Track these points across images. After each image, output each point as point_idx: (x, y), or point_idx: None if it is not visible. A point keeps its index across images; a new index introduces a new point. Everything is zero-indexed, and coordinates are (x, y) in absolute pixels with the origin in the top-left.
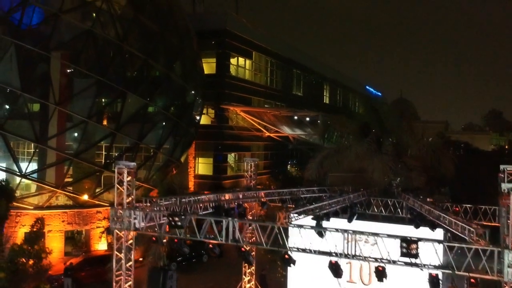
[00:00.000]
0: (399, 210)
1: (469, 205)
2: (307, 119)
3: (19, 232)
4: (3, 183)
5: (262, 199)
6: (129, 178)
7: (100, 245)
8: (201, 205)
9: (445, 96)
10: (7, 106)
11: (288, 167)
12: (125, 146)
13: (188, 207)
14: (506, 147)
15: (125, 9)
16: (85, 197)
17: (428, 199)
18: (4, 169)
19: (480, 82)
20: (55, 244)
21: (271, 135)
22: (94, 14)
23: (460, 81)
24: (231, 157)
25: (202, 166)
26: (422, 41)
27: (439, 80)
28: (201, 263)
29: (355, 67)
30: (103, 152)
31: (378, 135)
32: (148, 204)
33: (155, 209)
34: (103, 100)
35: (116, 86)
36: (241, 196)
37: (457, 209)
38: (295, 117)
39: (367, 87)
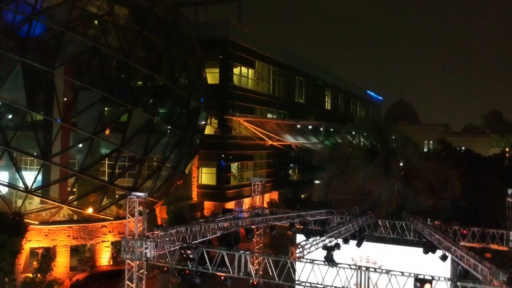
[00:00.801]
0: (406, 232)
1: (476, 229)
2: (310, 127)
3: (26, 247)
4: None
5: (271, 223)
6: (140, 208)
7: (106, 260)
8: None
9: (444, 96)
10: (13, 123)
11: (290, 171)
12: (129, 164)
13: (199, 235)
14: (507, 149)
15: (130, 23)
16: (90, 210)
17: (436, 222)
18: (11, 185)
19: (480, 82)
20: (60, 259)
21: (274, 143)
22: (98, 27)
23: (459, 81)
24: (234, 167)
25: (206, 176)
26: (421, 41)
27: (438, 80)
28: None
29: (355, 69)
30: (107, 169)
31: (385, 157)
32: (160, 233)
33: (167, 240)
34: (108, 115)
35: (121, 102)
36: (250, 221)
37: (464, 231)
38: (298, 126)
39: (368, 91)
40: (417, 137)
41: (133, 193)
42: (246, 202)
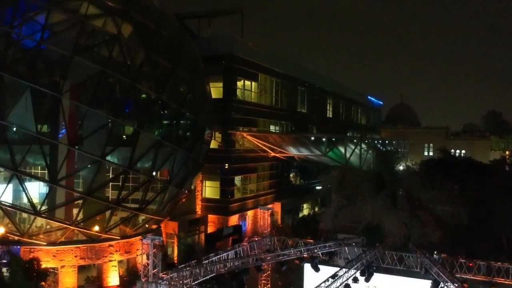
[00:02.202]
0: (413, 264)
1: (482, 262)
2: (312, 138)
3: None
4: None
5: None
6: (154, 250)
7: (113, 279)
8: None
9: (444, 96)
10: (21, 147)
11: (292, 180)
12: (136, 185)
13: (209, 269)
14: (507, 153)
15: (137, 45)
16: (96, 227)
17: (442, 255)
18: (20, 208)
19: (480, 83)
20: (68, 279)
21: (277, 155)
22: (106, 50)
23: (459, 81)
24: (237, 180)
25: (209, 190)
26: (421, 41)
27: (438, 80)
28: None
29: (355, 71)
30: (111, 189)
31: (393, 190)
32: (174, 275)
33: (180, 282)
34: (116, 138)
35: (129, 124)
36: (262, 256)
37: (471, 264)
38: (300, 138)
39: (369, 97)
40: (418, 140)
41: (148, 236)
42: (250, 214)
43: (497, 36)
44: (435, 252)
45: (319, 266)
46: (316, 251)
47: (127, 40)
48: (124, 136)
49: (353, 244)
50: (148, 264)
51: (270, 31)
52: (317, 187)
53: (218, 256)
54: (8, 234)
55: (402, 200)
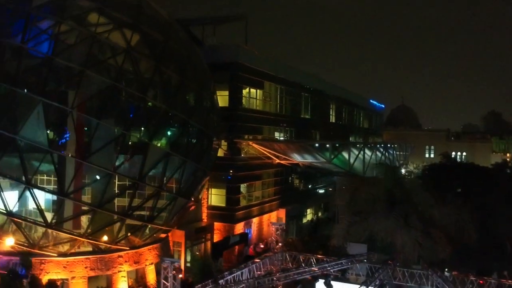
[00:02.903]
0: (424, 280)
1: (493, 280)
2: (316, 145)
3: (44, 279)
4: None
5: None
6: (174, 273)
7: None
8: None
9: (444, 97)
10: (34, 162)
11: (295, 182)
12: (146, 197)
13: None
14: (508, 155)
15: (146, 59)
16: (105, 237)
17: (453, 272)
18: (32, 220)
19: (480, 83)
20: None
21: (281, 162)
22: (116, 64)
23: (459, 82)
24: (243, 187)
25: (215, 197)
26: (420, 42)
27: (438, 81)
28: None
29: (356, 74)
30: (116, 202)
31: (405, 208)
32: None
33: None
34: (126, 151)
35: (139, 137)
36: (275, 278)
37: (481, 282)
38: (303, 145)
39: (371, 100)
40: (419, 142)
41: (167, 259)
42: (255, 221)
43: (496, 36)
44: (446, 270)
45: (331, 282)
46: (329, 268)
47: (137, 53)
48: (133, 148)
49: (365, 260)
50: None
51: (267, 32)
52: (320, 191)
53: (233, 275)
54: (19, 245)
55: (414, 218)
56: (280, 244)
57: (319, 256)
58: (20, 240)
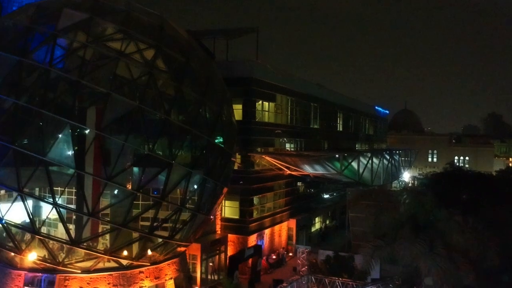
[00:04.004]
0: None
1: None
2: (328, 157)
3: None
4: None
5: None
6: None
7: None
8: None
9: (443, 98)
10: (61, 182)
11: (305, 192)
12: (167, 215)
13: None
14: (511, 159)
15: (169, 80)
16: (125, 252)
17: None
18: (58, 239)
19: (480, 85)
20: None
21: (293, 173)
22: (141, 86)
23: (459, 84)
24: (256, 199)
25: (229, 210)
26: (420, 44)
27: (438, 82)
28: None
29: (359, 78)
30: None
31: (429, 235)
32: None
33: None
34: (149, 171)
35: (162, 157)
36: None
37: None
38: (315, 157)
39: (376, 107)
40: (422, 147)
41: None
42: (267, 233)
43: (496, 39)
44: None
45: None
46: None
47: (160, 75)
48: (158, 168)
49: (390, 285)
50: None
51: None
52: (327, 199)
53: None
54: (42, 262)
55: (438, 244)
56: (305, 267)
57: (345, 279)
58: (45, 256)
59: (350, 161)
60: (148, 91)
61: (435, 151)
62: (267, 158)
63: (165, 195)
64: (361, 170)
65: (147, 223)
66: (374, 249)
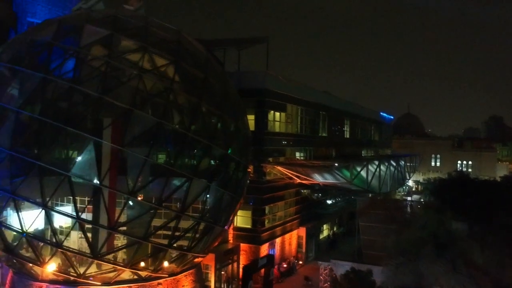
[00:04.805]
0: None
1: None
2: (336, 164)
3: None
4: None
5: None
6: None
7: None
8: None
9: (444, 101)
10: (86, 197)
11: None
12: (186, 228)
13: None
14: None
15: (188, 96)
16: (142, 264)
17: None
18: (81, 252)
19: (480, 87)
20: None
21: (303, 182)
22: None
23: (460, 86)
24: (268, 208)
25: (241, 219)
26: (421, 46)
27: (438, 85)
28: None
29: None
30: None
31: (451, 254)
32: None
33: None
34: (170, 186)
35: (182, 172)
36: None
37: None
38: (325, 166)
39: (381, 113)
40: (425, 151)
41: None
42: (278, 241)
43: (497, 40)
44: None
45: None
46: None
47: (179, 90)
48: (178, 185)
49: None
50: None
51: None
52: (334, 205)
53: None
54: (63, 274)
55: (460, 263)
56: (328, 283)
57: None
58: (66, 269)
59: (359, 170)
60: (168, 106)
61: (438, 156)
62: (280, 168)
63: (185, 208)
64: (369, 178)
65: (167, 232)
66: (396, 266)
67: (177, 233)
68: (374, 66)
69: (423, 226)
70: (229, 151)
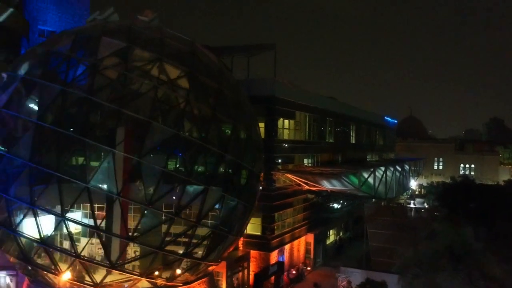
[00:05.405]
0: None
1: None
2: (345, 171)
3: None
4: None
5: None
6: None
7: None
8: None
9: (444, 102)
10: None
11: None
12: (203, 237)
13: None
14: None
15: (204, 107)
16: (163, 275)
17: None
18: (97, 262)
19: (480, 89)
20: None
21: (311, 188)
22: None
23: (460, 88)
24: (277, 215)
25: (251, 226)
26: (421, 48)
27: (439, 87)
28: None
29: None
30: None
31: (468, 266)
32: None
33: None
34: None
35: (198, 183)
36: None
37: None
38: (334, 173)
39: (385, 117)
40: (427, 154)
41: None
42: (287, 248)
43: (497, 41)
44: None
45: None
46: None
47: (195, 101)
48: (194, 196)
49: None
50: None
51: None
52: (340, 210)
53: None
54: (79, 283)
55: (477, 276)
56: None
57: None
58: (81, 277)
59: (367, 176)
60: (184, 117)
61: (440, 159)
62: (290, 176)
63: (201, 218)
64: (376, 184)
65: (184, 239)
66: (412, 277)
67: (194, 241)
68: (374, 66)
69: (438, 237)
70: (244, 161)
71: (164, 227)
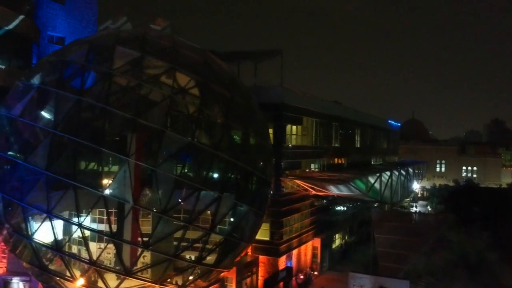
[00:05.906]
0: None
1: None
2: (352, 177)
3: None
4: None
5: None
6: None
7: None
8: None
9: (445, 103)
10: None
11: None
12: (215, 245)
13: None
14: None
15: (217, 116)
16: (175, 282)
17: None
18: (112, 269)
19: (481, 90)
20: None
21: (318, 193)
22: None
23: (462, 90)
24: (286, 221)
25: (260, 231)
26: (422, 49)
27: (440, 88)
28: None
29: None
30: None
31: (483, 277)
32: None
33: None
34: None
35: (212, 190)
36: None
37: None
38: (341, 179)
39: (389, 121)
40: (430, 157)
41: None
42: (294, 253)
43: (497, 42)
44: None
45: None
46: None
47: (209, 111)
48: (208, 203)
49: None
50: None
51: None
52: (345, 214)
53: None
54: None
55: (493, 287)
56: None
57: None
58: (95, 283)
59: (373, 182)
60: (198, 126)
61: (443, 161)
62: (298, 181)
63: (214, 225)
64: (382, 189)
65: (197, 245)
66: (426, 286)
67: (207, 246)
68: (374, 66)
69: (451, 246)
70: (255, 168)
71: (178, 234)
